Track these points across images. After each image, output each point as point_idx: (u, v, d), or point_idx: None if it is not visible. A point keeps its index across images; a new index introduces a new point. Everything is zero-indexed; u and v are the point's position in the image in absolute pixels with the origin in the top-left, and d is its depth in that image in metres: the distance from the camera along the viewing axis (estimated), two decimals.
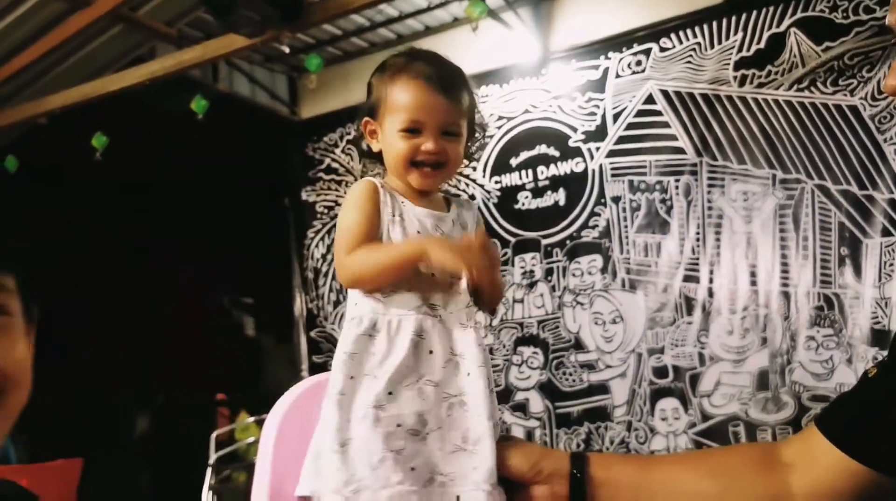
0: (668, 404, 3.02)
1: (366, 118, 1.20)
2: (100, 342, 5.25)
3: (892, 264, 2.76)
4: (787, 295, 2.88)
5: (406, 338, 1.08)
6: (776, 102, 2.94)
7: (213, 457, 4.45)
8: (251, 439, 4.68)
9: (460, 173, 3.47)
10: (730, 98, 3.01)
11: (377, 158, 1.22)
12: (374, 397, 1.06)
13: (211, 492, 4.34)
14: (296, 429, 1.14)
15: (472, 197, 3.43)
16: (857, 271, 2.79)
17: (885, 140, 2.78)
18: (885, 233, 2.77)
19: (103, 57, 3.96)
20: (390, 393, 1.05)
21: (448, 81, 1.15)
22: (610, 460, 1.13)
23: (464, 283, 1.08)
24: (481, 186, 3.44)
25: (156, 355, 5.63)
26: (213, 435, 4.59)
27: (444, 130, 1.15)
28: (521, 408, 3.27)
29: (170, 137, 4.19)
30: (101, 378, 5.42)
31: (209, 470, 4.40)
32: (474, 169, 3.47)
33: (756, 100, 2.97)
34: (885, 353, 1.08)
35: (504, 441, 1.16)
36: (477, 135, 1.24)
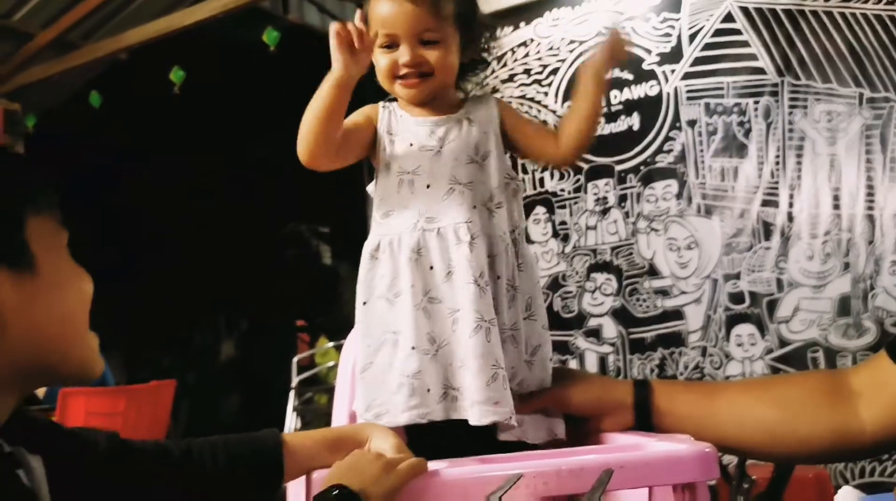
0: (745, 330, 2.99)
1: (370, 39, 1.18)
2: (186, 270, 5.46)
3: None
4: (871, 219, 2.78)
5: (405, 257, 1.07)
6: (864, 16, 2.79)
7: (295, 381, 4.63)
8: (331, 363, 4.84)
9: (531, 100, 3.43)
10: (815, 13, 2.87)
11: None
12: (387, 321, 1.07)
13: (294, 413, 4.53)
14: None
15: (544, 122, 3.39)
16: None
17: None
18: None
19: None
20: (401, 315, 1.05)
21: None
22: (674, 388, 1.14)
23: None
24: (553, 111, 3.39)
25: (238, 283, 5.81)
26: (295, 360, 4.77)
27: (420, 38, 1.12)
28: (595, 334, 3.29)
29: (243, 70, 4.25)
30: (188, 306, 5.65)
31: (292, 393, 4.58)
32: (546, 94, 3.42)
33: (843, 14, 2.83)
34: None
35: (563, 374, 1.16)
36: (483, 35, 1.19)
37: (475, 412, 1.02)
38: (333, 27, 1.06)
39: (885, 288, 2.76)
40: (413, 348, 1.04)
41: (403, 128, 1.14)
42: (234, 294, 5.95)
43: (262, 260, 5.90)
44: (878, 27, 2.76)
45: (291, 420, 4.48)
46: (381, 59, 1.13)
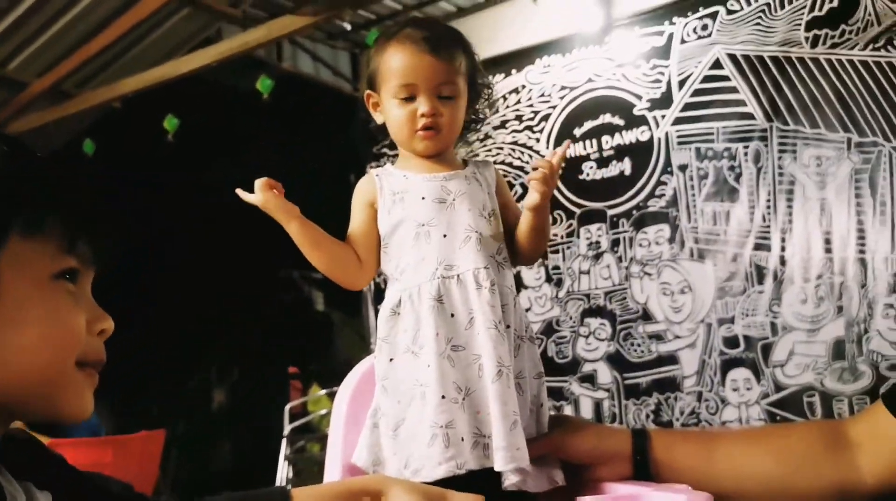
0: (740, 374, 2.97)
1: (367, 91, 1.19)
2: (177, 317, 5.42)
3: None
4: (863, 262, 2.79)
5: (427, 306, 1.06)
6: (850, 62, 2.83)
7: (287, 429, 4.57)
8: (323, 411, 4.79)
9: (523, 145, 3.45)
10: (801, 60, 2.92)
11: (384, 131, 1.21)
12: (415, 375, 1.06)
13: (286, 462, 4.46)
14: (366, 402, 1.16)
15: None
16: None
17: None
18: None
19: (172, 40, 4.05)
20: (428, 366, 1.05)
21: (438, 42, 1.12)
22: (672, 438, 1.12)
23: None
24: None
25: (230, 329, 5.77)
26: (287, 407, 4.71)
27: (438, 92, 1.13)
28: (590, 379, 3.27)
29: (237, 117, 4.27)
30: (179, 353, 5.60)
31: (284, 441, 4.52)
32: (537, 140, 3.45)
33: (829, 61, 2.87)
34: None
35: (560, 421, 1.15)
36: (484, 94, 1.21)
37: (499, 458, 1.01)
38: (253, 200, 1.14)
39: (880, 331, 2.75)
40: (443, 397, 1.03)
41: (412, 186, 1.14)
42: (225, 341, 5.91)
43: (253, 307, 5.88)
44: (865, 73, 2.80)
45: (283, 469, 4.42)
46: (397, 111, 1.13)
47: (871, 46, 2.79)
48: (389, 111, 1.14)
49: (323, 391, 5.21)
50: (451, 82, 1.13)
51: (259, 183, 1.13)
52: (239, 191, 1.15)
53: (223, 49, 3.60)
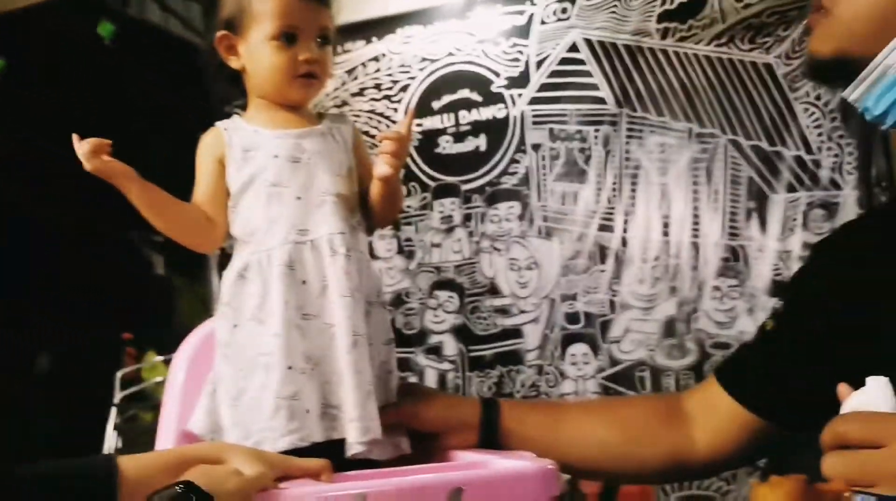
0: (579, 349, 3.09)
1: (224, 33, 1.12)
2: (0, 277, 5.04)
3: (795, 219, 2.87)
4: (696, 246, 2.96)
5: (277, 272, 1.02)
6: (696, 56, 2.98)
7: (118, 397, 4.37)
8: (159, 378, 4.60)
9: (380, 114, 3.42)
10: (651, 50, 3.04)
11: (235, 80, 1.15)
12: (259, 343, 1.02)
13: (115, 432, 4.26)
14: (205, 367, 1.11)
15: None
16: (763, 224, 2.89)
17: (795, 98, 2.88)
18: (790, 188, 2.87)
19: None
20: (275, 335, 1.01)
21: None
22: (521, 409, 1.15)
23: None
24: (392, 128, 3.39)
25: (59, 292, 5.43)
26: (119, 375, 4.50)
27: (319, 35, 1.09)
28: (436, 351, 3.30)
29: (75, 63, 3.98)
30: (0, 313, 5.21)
31: (114, 410, 4.32)
32: (395, 110, 3.42)
33: (677, 53, 3.01)
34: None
35: (409, 390, 1.15)
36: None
37: (353, 430, 0.99)
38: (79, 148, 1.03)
39: (706, 312, 2.93)
40: (289, 368, 0.99)
41: (263, 142, 1.08)
42: (53, 305, 5.55)
43: (86, 269, 5.55)
44: (708, 67, 2.96)
45: (112, 439, 4.22)
46: (274, 55, 1.07)
47: (714, 42, 2.95)
48: (260, 55, 1.08)
49: (159, 358, 5.00)
50: (329, 28, 1.09)
51: (85, 147, 1.03)
52: (75, 137, 1.05)
53: None
